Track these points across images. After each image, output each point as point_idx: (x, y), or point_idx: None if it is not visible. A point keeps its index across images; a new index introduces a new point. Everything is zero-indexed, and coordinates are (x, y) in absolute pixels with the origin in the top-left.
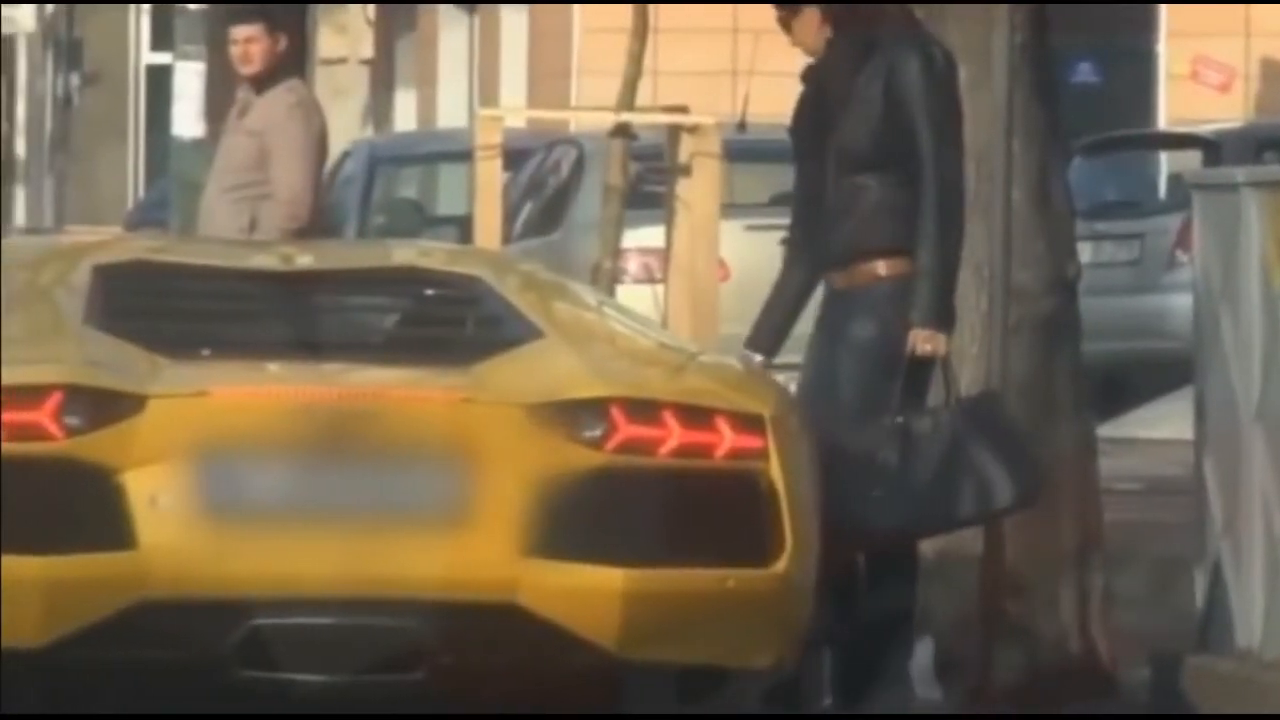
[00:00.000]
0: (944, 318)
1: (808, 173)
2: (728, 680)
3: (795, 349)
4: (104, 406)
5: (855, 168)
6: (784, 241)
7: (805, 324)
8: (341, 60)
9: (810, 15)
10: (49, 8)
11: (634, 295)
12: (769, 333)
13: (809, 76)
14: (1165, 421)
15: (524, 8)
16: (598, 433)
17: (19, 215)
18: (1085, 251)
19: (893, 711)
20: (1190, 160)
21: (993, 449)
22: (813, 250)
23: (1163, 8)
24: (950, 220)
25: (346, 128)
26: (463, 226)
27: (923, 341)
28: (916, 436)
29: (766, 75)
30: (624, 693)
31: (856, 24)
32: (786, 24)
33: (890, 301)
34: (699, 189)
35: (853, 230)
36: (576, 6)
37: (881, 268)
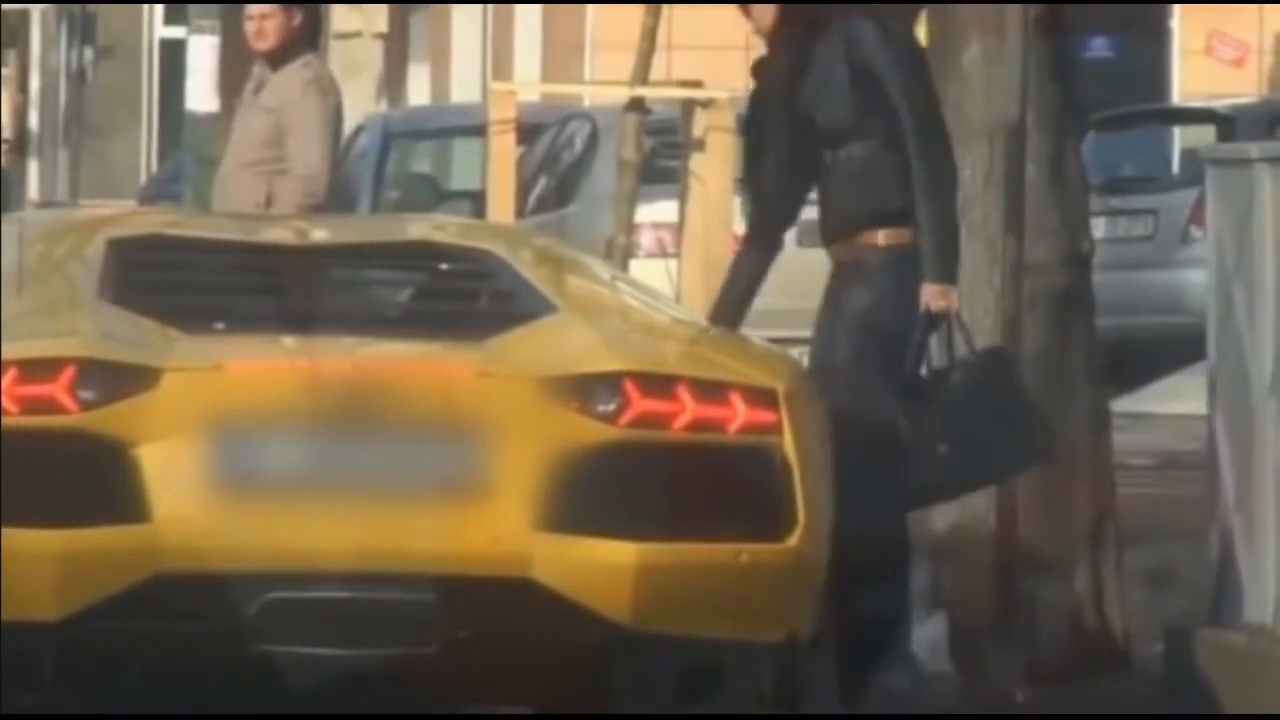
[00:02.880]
0: (952, 271)
1: (763, 165)
2: (726, 680)
3: (802, 324)
4: (118, 380)
5: (837, 141)
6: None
7: (811, 300)
8: (356, 34)
9: None
10: None
11: (648, 269)
12: (727, 314)
13: (760, 70)
14: (1179, 397)
15: None
16: (611, 407)
17: (32, 189)
18: (1099, 226)
19: (897, 712)
20: (1204, 135)
21: (1006, 407)
22: (769, 234)
23: None
24: (942, 173)
25: (360, 102)
26: (477, 201)
27: (936, 297)
28: (928, 396)
29: None
30: (624, 693)
31: (805, 6)
32: (746, 7)
33: (886, 271)
34: (713, 163)
35: (847, 201)
36: None
37: (880, 237)
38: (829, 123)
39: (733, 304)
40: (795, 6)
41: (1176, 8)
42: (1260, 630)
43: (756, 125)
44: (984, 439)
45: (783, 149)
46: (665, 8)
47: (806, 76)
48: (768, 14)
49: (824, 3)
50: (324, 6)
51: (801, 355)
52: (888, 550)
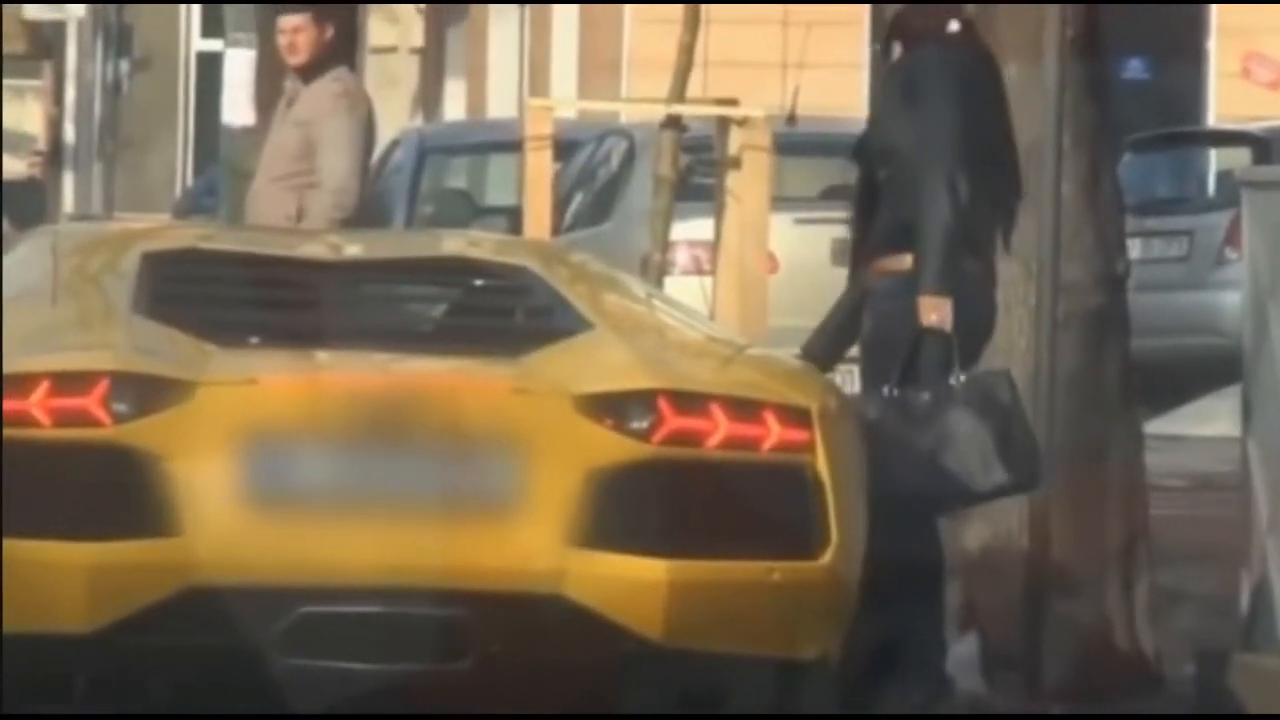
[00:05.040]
0: (948, 286)
1: (859, 203)
2: (738, 696)
3: None
4: (152, 393)
5: (881, 163)
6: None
7: None
8: (392, 49)
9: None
10: None
11: (682, 287)
12: (821, 348)
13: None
14: (1213, 418)
15: None
16: (645, 424)
17: (67, 202)
18: (1134, 248)
19: (917, 711)
20: (1240, 157)
21: (992, 428)
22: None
23: (1213, 5)
24: (952, 192)
25: (396, 117)
26: (512, 217)
27: (929, 310)
28: (914, 410)
29: (817, 68)
30: (625, 695)
31: (915, 46)
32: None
33: (888, 297)
34: (748, 181)
35: (876, 226)
36: None
37: (888, 263)
38: (877, 145)
39: (828, 337)
40: (912, 46)
41: (1213, 29)
42: None
43: (858, 163)
44: (957, 461)
45: (869, 181)
46: (702, 25)
47: (876, 105)
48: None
49: (873, 1)
50: (360, 21)
51: (840, 377)
52: (922, 569)
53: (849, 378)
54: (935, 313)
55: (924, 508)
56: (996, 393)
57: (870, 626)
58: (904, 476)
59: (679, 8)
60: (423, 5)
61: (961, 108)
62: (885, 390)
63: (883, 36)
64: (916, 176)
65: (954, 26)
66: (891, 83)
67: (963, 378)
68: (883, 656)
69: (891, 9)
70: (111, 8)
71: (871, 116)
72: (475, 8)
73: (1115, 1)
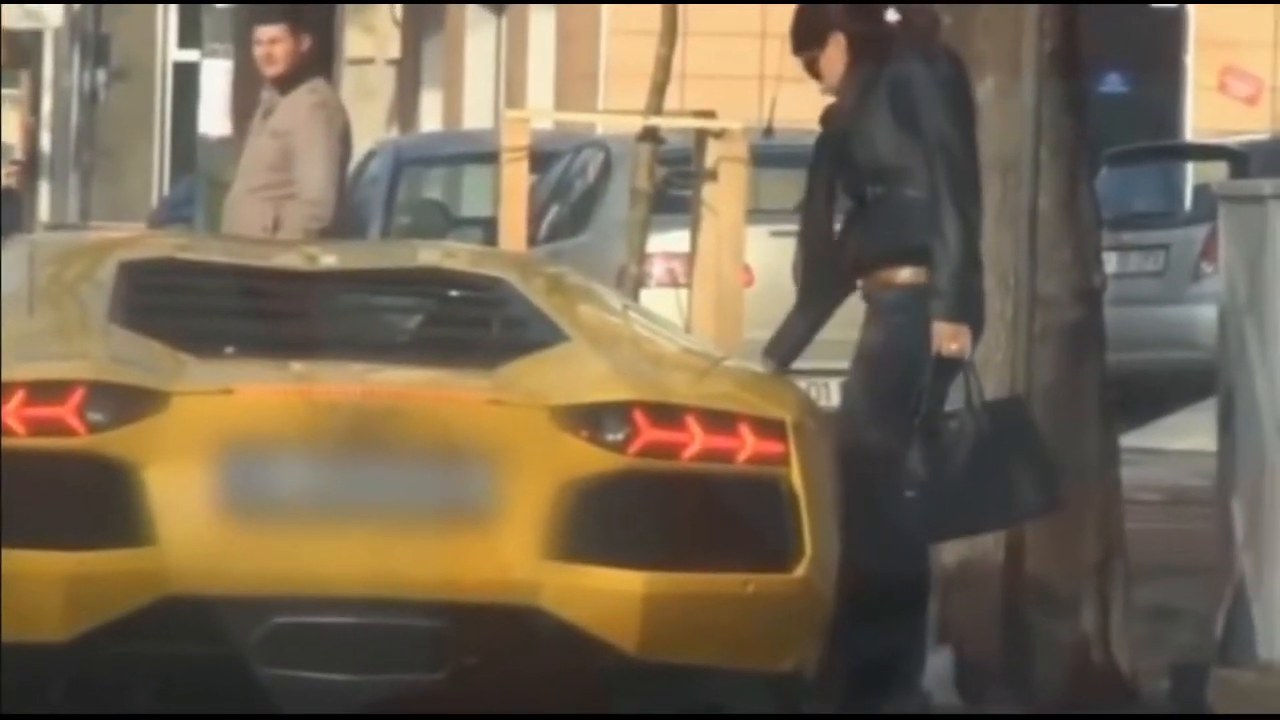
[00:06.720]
0: (966, 312)
1: (817, 212)
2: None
3: (816, 355)
4: (128, 403)
5: (872, 178)
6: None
7: (830, 331)
8: (369, 60)
9: (835, 48)
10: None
11: (659, 299)
12: (787, 343)
13: (828, 118)
14: (1189, 432)
15: (552, 9)
16: (620, 436)
17: (44, 211)
18: (1111, 262)
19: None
20: (1217, 171)
21: (1018, 454)
22: (819, 286)
23: (1191, 15)
24: (962, 220)
25: (372, 128)
26: (488, 228)
27: (949, 339)
28: (943, 439)
29: (794, 80)
30: (600, 706)
31: (874, 50)
32: (813, 64)
33: (900, 309)
34: (725, 194)
35: (873, 238)
36: (605, 8)
37: (896, 275)
38: (866, 160)
39: (793, 339)
40: (863, 59)
41: (1191, 43)
42: (1269, 667)
43: (813, 169)
44: (985, 487)
45: (829, 187)
46: (680, 37)
47: (856, 116)
48: (834, 67)
49: (832, 2)
50: (336, 32)
51: (812, 387)
52: (907, 585)
53: (824, 390)
54: (955, 341)
55: (956, 534)
56: (1017, 418)
57: (856, 642)
58: (939, 506)
59: (656, 20)
60: (399, 18)
61: (958, 121)
62: (913, 420)
63: (801, 40)
64: (926, 199)
65: (892, 16)
66: (875, 96)
67: (979, 404)
68: (865, 672)
69: (802, 10)
70: (89, 18)
71: (844, 128)
72: (452, 19)
73: (1094, 1)
